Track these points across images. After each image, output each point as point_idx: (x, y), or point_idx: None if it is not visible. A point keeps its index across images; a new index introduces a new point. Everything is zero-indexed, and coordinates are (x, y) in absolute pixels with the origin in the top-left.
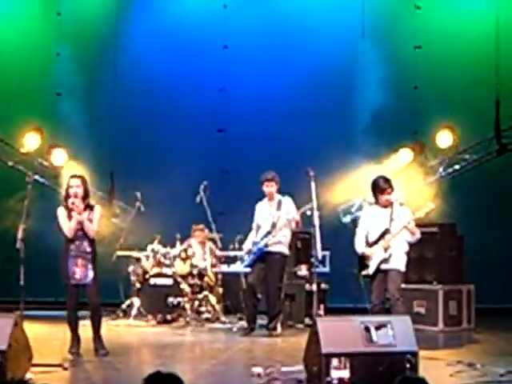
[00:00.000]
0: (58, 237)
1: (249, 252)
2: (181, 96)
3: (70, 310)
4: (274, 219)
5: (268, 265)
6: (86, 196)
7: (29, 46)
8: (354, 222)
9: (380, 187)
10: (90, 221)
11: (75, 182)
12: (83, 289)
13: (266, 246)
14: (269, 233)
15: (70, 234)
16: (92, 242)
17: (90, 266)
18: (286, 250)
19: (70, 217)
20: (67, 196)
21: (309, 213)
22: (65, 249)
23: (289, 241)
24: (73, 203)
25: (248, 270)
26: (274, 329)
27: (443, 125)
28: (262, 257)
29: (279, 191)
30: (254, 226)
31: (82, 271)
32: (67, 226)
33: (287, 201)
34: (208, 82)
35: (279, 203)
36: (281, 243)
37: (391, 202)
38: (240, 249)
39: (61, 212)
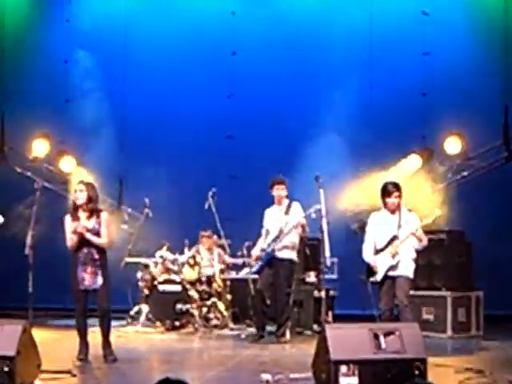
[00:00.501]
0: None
1: (257, 258)
2: (189, 102)
3: (79, 316)
4: (281, 224)
5: (276, 271)
6: (89, 201)
7: (37, 53)
8: (363, 228)
9: (388, 190)
10: (98, 233)
11: (79, 187)
12: (93, 294)
13: (274, 251)
14: (276, 238)
15: (70, 247)
16: (100, 248)
17: (99, 273)
18: (294, 256)
19: (77, 219)
20: (73, 203)
21: (314, 216)
22: (74, 256)
23: (297, 246)
24: (75, 230)
25: (256, 276)
26: (283, 335)
27: (451, 131)
28: (270, 262)
29: (287, 196)
30: (263, 231)
31: (91, 277)
32: (69, 239)
33: (296, 206)
34: (217, 88)
35: (288, 208)
36: (288, 248)
37: (398, 205)
38: (249, 255)
39: (67, 221)
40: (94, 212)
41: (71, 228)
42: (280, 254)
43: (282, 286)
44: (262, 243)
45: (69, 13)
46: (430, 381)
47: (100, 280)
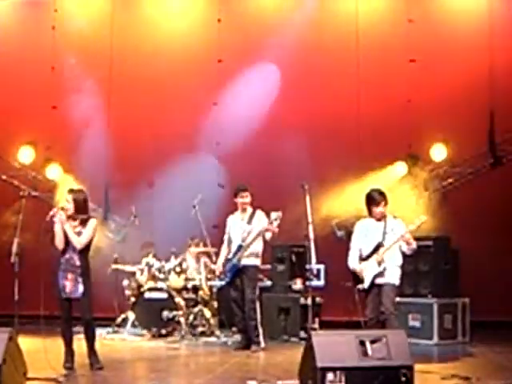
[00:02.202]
0: (53, 250)
1: (225, 272)
2: (175, 110)
3: (63, 324)
4: (244, 234)
5: (242, 278)
6: (77, 211)
7: (24, 60)
8: (349, 235)
9: (374, 199)
10: (79, 234)
11: (66, 197)
12: (76, 303)
13: (239, 260)
14: (240, 247)
15: (58, 244)
16: (82, 255)
17: (79, 280)
18: (258, 262)
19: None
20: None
21: (275, 223)
22: (56, 262)
23: (261, 253)
24: (53, 215)
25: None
26: (257, 343)
27: (437, 138)
28: (238, 271)
29: (251, 204)
30: (226, 238)
31: (71, 285)
32: (55, 236)
33: (259, 214)
34: (203, 95)
35: (251, 216)
36: (252, 255)
37: (384, 214)
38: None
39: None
40: (83, 221)
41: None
42: (244, 262)
43: (248, 293)
44: (225, 252)
45: (55, 20)
46: None
47: (81, 288)
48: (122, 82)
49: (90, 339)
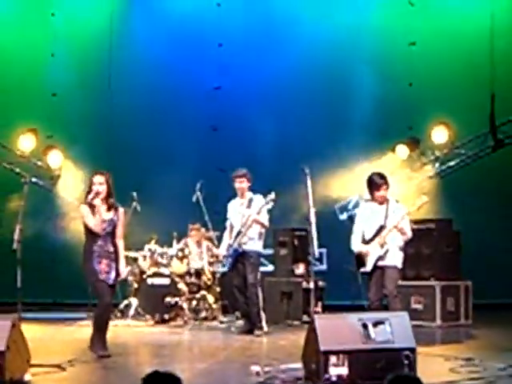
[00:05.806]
0: (55, 237)
1: (226, 256)
2: (176, 94)
3: (106, 309)
4: (243, 219)
5: (244, 263)
6: (109, 195)
7: (23, 47)
8: (351, 219)
9: (376, 183)
10: (115, 226)
11: (98, 180)
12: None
13: (240, 245)
14: (240, 232)
15: (97, 230)
16: (113, 241)
17: (113, 266)
18: (259, 247)
19: (93, 213)
20: (89, 193)
21: (269, 206)
22: (87, 249)
23: (262, 237)
24: (91, 202)
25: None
26: (260, 328)
27: (438, 121)
28: (239, 257)
29: (250, 189)
30: (228, 224)
31: (105, 271)
32: (93, 223)
33: (258, 199)
34: (203, 80)
35: (250, 201)
36: (253, 240)
37: (386, 198)
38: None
39: (85, 209)
40: (112, 206)
41: (95, 220)
42: (245, 247)
43: (250, 278)
44: (227, 238)
45: (54, 6)
46: (420, 370)
47: (113, 275)
48: (122, 67)
49: (105, 323)
